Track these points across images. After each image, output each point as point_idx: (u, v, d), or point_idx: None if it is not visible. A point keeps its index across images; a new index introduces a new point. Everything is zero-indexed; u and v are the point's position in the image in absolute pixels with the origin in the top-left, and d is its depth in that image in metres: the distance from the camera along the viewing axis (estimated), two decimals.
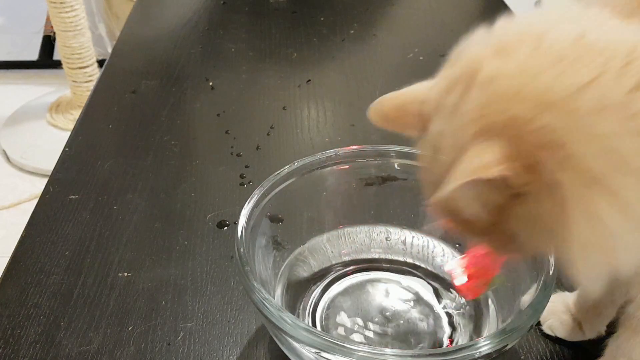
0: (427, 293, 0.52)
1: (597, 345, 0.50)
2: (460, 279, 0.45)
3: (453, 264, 0.45)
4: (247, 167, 0.71)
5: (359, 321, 0.50)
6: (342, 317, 0.50)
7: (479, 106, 0.33)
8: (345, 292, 0.53)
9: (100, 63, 1.99)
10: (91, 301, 0.54)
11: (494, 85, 0.32)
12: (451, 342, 0.48)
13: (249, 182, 0.68)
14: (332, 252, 0.55)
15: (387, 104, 0.39)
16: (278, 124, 0.79)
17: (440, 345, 0.48)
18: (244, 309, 0.54)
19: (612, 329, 0.49)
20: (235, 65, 0.94)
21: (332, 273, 0.54)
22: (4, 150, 2.00)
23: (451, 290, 0.52)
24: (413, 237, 0.56)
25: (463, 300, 0.50)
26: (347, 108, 0.84)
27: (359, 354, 0.38)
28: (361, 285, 0.54)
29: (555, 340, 0.51)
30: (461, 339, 0.49)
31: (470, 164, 0.31)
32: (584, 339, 0.50)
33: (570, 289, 0.52)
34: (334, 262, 0.55)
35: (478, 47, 0.35)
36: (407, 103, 0.39)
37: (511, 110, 0.32)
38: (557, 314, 0.51)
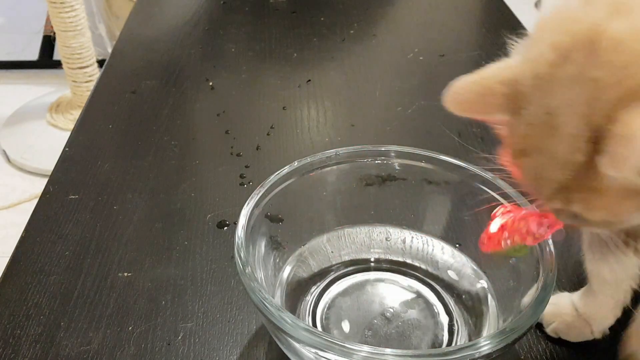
0: (427, 293, 0.52)
1: (596, 345, 0.50)
2: (494, 226, 0.43)
3: (502, 211, 0.44)
4: (247, 167, 0.71)
5: (359, 322, 0.50)
6: (343, 319, 0.50)
7: (618, 68, 0.31)
8: (345, 292, 0.53)
9: (100, 63, 1.99)
10: (91, 301, 0.54)
11: (629, 45, 0.31)
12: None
13: (249, 182, 0.68)
14: (332, 252, 0.55)
15: (467, 89, 0.37)
16: (278, 124, 0.79)
17: (440, 345, 0.48)
18: (244, 309, 0.54)
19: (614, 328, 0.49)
20: (235, 65, 0.94)
21: (332, 273, 0.54)
22: (4, 150, 2.00)
23: (451, 289, 0.52)
24: (413, 237, 0.56)
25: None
26: (347, 108, 0.84)
27: (359, 354, 0.38)
28: (361, 286, 0.54)
29: (558, 341, 0.51)
30: (461, 339, 0.49)
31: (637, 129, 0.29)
32: (589, 339, 0.50)
33: (573, 288, 0.52)
34: (333, 262, 0.55)
35: (584, 13, 0.33)
36: (491, 84, 0.37)
37: None
38: (562, 316, 0.50)
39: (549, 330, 0.51)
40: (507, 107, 0.36)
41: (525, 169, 0.36)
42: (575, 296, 0.51)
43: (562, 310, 0.50)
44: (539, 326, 0.51)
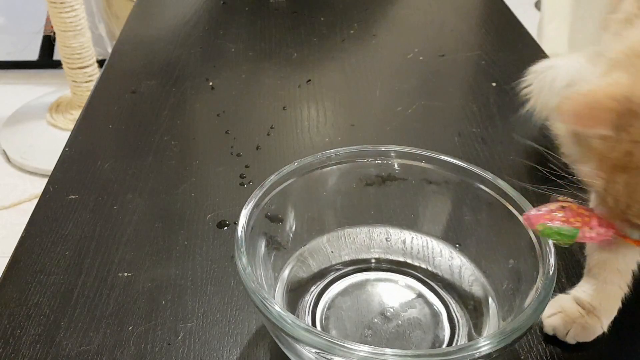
0: (427, 293, 0.52)
1: (595, 343, 0.50)
2: (553, 205, 0.43)
3: (568, 204, 0.44)
4: (247, 167, 0.71)
5: (359, 321, 0.50)
6: (343, 319, 0.50)
7: None
8: (345, 292, 0.53)
9: (100, 63, 1.99)
10: (91, 301, 0.54)
11: None
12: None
13: (249, 182, 0.68)
14: (332, 252, 0.55)
15: (576, 100, 0.38)
16: (278, 124, 0.79)
17: (440, 345, 0.48)
18: (244, 309, 0.54)
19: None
20: (235, 65, 0.94)
21: (332, 273, 0.54)
22: (4, 150, 2.00)
23: (451, 289, 0.52)
24: (413, 237, 0.56)
25: None
26: (347, 108, 0.84)
27: (359, 354, 0.38)
28: (361, 285, 0.54)
29: (558, 341, 0.50)
30: (461, 339, 0.49)
31: None
32: (599, 335, 0.50)
33: (572, 288, 0.52)
34: (333, 262, 0.55)
35: None
36: (601, 99, 0.37)
37: None
38: (575, 321, 0.49)
39: (568, 338, 0.50)
40: (613, 123, 0.36)
41: (618, 184, 0.36)
42: (578, 293, 0.51)
43: (572, 315, 0.50)
44: (554, 338, 0.50)
